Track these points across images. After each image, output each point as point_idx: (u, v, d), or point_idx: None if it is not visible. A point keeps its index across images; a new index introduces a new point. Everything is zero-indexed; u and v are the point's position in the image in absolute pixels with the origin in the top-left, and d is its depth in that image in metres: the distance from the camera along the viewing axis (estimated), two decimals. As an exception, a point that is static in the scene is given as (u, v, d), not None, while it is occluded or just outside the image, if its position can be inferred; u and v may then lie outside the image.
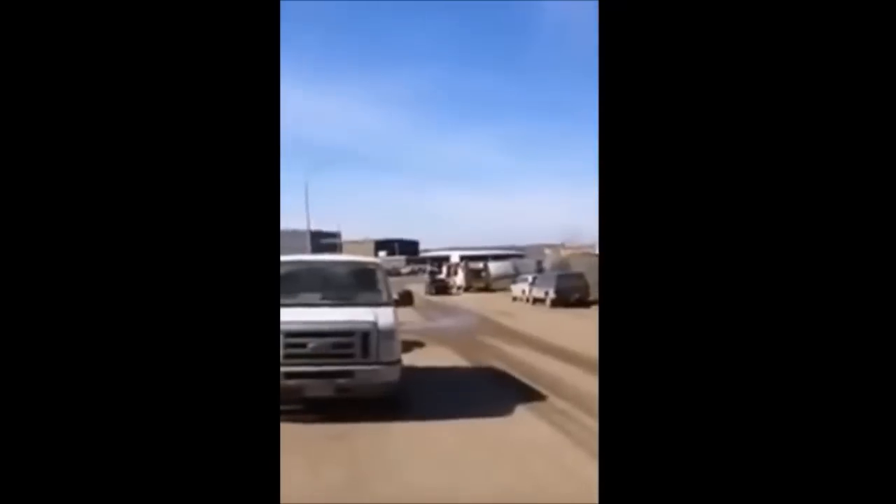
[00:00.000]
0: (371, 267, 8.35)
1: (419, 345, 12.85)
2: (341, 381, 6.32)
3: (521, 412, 6.98)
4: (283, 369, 5.89)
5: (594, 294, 25.53)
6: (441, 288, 37.41)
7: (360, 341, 6.41)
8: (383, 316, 6.73)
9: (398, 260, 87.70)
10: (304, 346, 6.26)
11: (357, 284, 7.82)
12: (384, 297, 7.55)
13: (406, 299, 8.59)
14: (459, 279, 39.73)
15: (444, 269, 48.11)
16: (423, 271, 64.67)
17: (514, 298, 29.66)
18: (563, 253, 42.63)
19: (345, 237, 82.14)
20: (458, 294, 36.49)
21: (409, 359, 8.86)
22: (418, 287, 31.61)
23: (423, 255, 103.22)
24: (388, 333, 6.59)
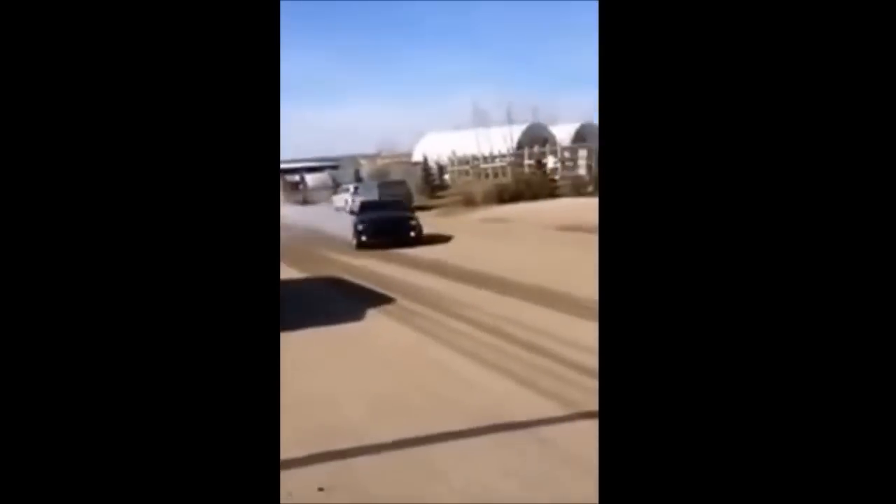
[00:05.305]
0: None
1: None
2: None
3: (372, 313, 7.45)
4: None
5: (416, 200, 26.61)
6: None
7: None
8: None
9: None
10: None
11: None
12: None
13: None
14: (275, 194, 38.34)
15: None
16: None
17: (338, 209, 29.77)
18: (380, 162, 42.99)
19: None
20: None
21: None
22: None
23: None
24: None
